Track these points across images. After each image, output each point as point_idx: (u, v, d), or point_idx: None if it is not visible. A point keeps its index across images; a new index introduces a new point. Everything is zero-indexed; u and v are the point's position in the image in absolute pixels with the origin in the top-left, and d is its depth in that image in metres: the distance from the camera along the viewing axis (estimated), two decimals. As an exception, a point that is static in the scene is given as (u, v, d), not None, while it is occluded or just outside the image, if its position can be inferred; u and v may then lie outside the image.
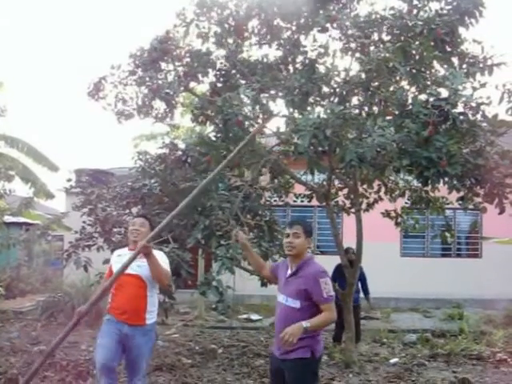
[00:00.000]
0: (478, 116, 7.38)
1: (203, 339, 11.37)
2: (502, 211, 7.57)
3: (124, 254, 5.58)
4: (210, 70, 8.95)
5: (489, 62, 8.00)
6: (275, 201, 10.79)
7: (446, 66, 8.03)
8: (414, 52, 7.79)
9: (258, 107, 7.84)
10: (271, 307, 11.29)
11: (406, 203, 10.41)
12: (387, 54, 7.47)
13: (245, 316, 13.83)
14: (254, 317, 13.83)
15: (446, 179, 7.14)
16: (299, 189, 10.36)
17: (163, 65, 9.06)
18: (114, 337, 5.30)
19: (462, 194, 7.83)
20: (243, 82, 8.53)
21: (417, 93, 7.88)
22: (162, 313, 8.32)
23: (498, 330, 12.13)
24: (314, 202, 10.88)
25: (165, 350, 9.93)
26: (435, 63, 8.18)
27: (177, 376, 8.15)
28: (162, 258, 5.53)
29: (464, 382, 7.91)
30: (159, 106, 9.07)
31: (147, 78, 8.71)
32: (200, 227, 7.57)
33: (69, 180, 9.90)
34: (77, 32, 78.91)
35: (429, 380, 8.22)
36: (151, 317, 5.47)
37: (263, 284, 9.02)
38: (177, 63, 9.01)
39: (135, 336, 5.32)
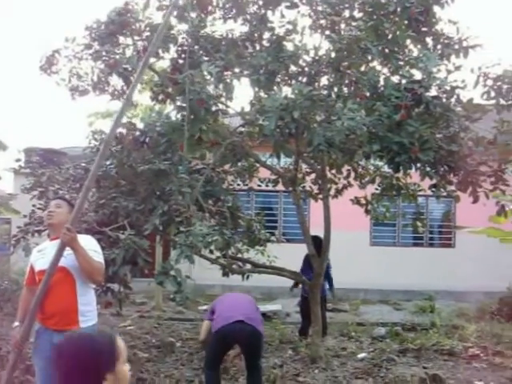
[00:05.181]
0: (453, 100, 7.52)
1: (160, 332, 11.41)
2: (475, 200, 7.74)
3: (45, 247, 4.96)
4: (171, 46, 8.89)
5: (464, 44, 8.12)
6: (239, 185, 10.82)
7: (419, 47, 8.13)
8: (386, 31, 7.87)
9: (221, 86, 7.86)
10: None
11: (376, 190, 10.52)
12: (359, 33, 7.52)
13: (205, 307, 13.82)
14: (215, 308, 13.84)
15: (418, 165, 7.27)
16: (264, 173, 10.39)
17: (121, 39, 8.97)
18: (48, 359, 4.21)
19: (434, 181, 7.97)
20: (206, 58, 8.51)
21: (389, 74, 7.96)
22: (117, 303, 8.32)
23: (471, 324, 12.38)
24: (280, 187, 10.93)
25: (119, 343, 9.93)
26: (409, 43, 8.26)
27: (132, 371, 8.12)
28: (91, 246, 4.88)
29: (435, 379, 8.05)
30: (116, 82, 9.03)
31: (104, 53, 8.62)
32: (158, 213, 7.54)
33: (18, 160, 9.76)
34: (29, 1, 77.36)
35: (398, 376, 8.33)
36: (87, 319, 4.76)
37: (224, 274, 9.09)
38: (136, 37, 8.94)
39: None
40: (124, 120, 9.16)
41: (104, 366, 2.34)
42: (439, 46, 8.34)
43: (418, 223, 9.56)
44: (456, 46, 8.19)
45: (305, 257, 10.12)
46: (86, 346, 2.36)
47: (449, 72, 7.81)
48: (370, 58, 7.99)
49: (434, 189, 8.16)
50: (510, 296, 14.19)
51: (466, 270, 16.05)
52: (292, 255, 10.40)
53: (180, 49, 9.00)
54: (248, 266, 9.68)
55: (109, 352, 2.38)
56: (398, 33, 7.85)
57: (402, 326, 12.31)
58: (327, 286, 10.66)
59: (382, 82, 7.50)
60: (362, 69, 7.97)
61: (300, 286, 10.51)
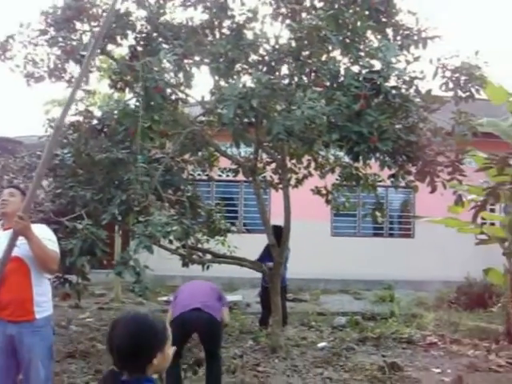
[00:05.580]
0: (412, 91, 7.58)
1: (120, 323, 11.29)
2: (433, 190, 7.83)
3: None
4: (129, 33, 8.77)
5: (423, 35, 8.19)
6: (199, 175, 10.78)
7: (379, 38, 8.17)
8: (347, 21, 7.86)
9: (181, 74, 7.79)
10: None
11: (337, 180, 10.57)
12: (319, 22, 7.51)
13: (165, 298, 13.79)
14: (175, 298, 13.77)
15: (377, 155, 7.32)
16: (225, 163, 10.36)
17: (78, 24, 8.81)
18: (1, 350, 4.62)
19: (393, 171, 8.04)
20: (166, 46, 8.43)
21: (349, 64, 7.97)
22: (75, 295, 8.23)
23: (429, 313, 12.59)
24: (241, 177, 10.91)
25: (78, 335, 9.82)
26: (369, 34, 8.30)
27: (90, 363, 8.10)
28: (45, 235, 4.80)
29: (393, 367, 8.15)
30: (73, 69, 8.87)
31: (60, 39, 8.48)
32: (116, 202, 7.45)
33: (-30, 148, 9.59)
34: (-17, -16, 75.75)
35: (357, 364, 8.41)
36: (42, 309, 4.72)
37: (184, 264, 9.05)
38: (93, 23, 8.78)
39: (23, 336, 4.59)
40: (81, 108, 9.06)
41: (157, 345, 2.57)
42: (399, 37, 8.39)
43: (378, 213, 9.63)
44: (415, 37, 8.25)
45: (265, 247, 10.13)
46: (145, 325, 2.58)
47: (408, 63, 7.88)
48: (330, 47, 8.00)
49: (392, 179, 8.23)
50: (468, 285, 14.44)
51: (424, 260, 16.25)
52: (253, 245, 10.41)
53: (139, 36, 8.88)
54: (208, 257, 9.65)
55: (162, 333, 2.62)
56: (358, 23, 7.87)
57: (361, 315, 12.43)
58: (288, 276, 10.68)
59: (342, 72, 7.51)
60: (323, 58, 7.97)
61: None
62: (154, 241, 6.84)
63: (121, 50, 9.69)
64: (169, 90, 7.57)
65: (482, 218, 14.97)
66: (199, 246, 9.75)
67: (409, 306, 13.75)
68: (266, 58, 8.07)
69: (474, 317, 12.69)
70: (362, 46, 8.07)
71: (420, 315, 12.35)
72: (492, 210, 14.34)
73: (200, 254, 9.64)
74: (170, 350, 2.66)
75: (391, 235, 18.93)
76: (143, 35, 8.83)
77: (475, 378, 7.98)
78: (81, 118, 8.89)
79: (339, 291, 16.32)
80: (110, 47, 9.10)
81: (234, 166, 10.30)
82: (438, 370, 8.46)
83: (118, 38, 8.82)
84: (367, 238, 18.37)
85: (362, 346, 9.76)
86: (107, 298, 13.98)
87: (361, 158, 7.26)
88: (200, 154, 9.83)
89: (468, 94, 8.05)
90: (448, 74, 8.01)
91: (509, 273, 10.55)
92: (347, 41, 7.88)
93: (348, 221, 18.24)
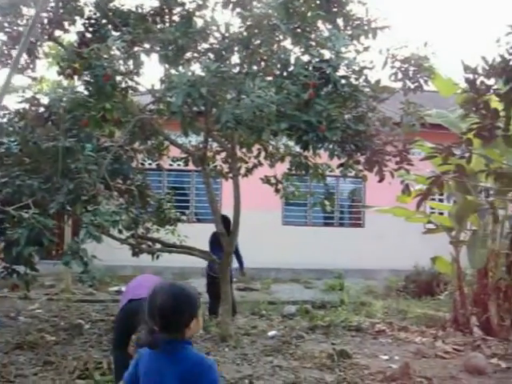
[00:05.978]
0: (361, 80, 7.62)
1: (69, 314, 11.14)
2: (381, 179, 7.94)
3: None
4: (77, 18, 8.64)
5: (373, 25, 8.23)
6: (150, 164, 10.69)
7: (330, 27, 8.19)
8: (297, 10, 7.85)
9: (131, 62, 7.70)
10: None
11: (288, 169, 10.60)
12: (269, 11, 7.50)
13: (116, 288, 13.68)
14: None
15: (326, 145, 7.36)
16: (176, 152, 10.29)
17: (24, 9, 8.63)
18: None
19: (342, 160, 8.10)
20: (115, 33, 8.31)
21: (300, 54, 7.97)
22: (24, 286, 8.09)
23: (378, 301, 12.81)
24: (192, 167, 10.85)
25: (27, 326, 9.67)
26: (320, 24, 8.31)
27: (39, 354, 7.98)
28: None
29: (342, 354, 8.23)
30: (19, 55, 8.69)
31: (6, 24, 8.31)
32: (64, 191, 7.35)
33: None
34: None
35: (306, 352, 8.46)
36: None
37: (134, 254, 8.99)
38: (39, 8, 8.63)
39: None
40: (28, 95, 8.87)
41: (194, 310, 2.88)
42: (349, 27, 8.42)
43: (327, 203, 9.69)
44: (365, 27, 8.28)
45: (211, 236, 10.14)
46: (184, 290, 2.93)
47: (358, 52, 7.93)
48: (281, 36, 7.98)
49: (341, 168, 8.30)
50: (416, 274, 14.72)
51: (374, 249, 16.49)
52: (203, 235, 10.41)
53: (87, 22, 8.73)
54: (158, 246, 9.59)
55: (197, 300, 2.94)
56: (309, 12, 7.88)
57: (312, 303, 12.54)
58: (235, 265, 10.68)
59: (292, 61, 7.51)
60: (274, 48, 7.96)
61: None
62: (102, 230, 6.78)
63: (69, 36, 9.55)
64: (118, 78, 7.49)
65: (431, 208, 15.31)
66: (149, 235, 9.69)
67: (358, 294, 13.94)
68: (216, 46, 8.02)
69: (422, 304, 12.95)
70: (312, 36, 8.06)
71: (369, 303, 12.55)
72: (441, 200, 14.63)
73: (150, 243, 9.58)
74: (201, 318, 2.98)
75: (341, 225, 19.14)
76: (92, 21, 8.68)
77: (422, 365, 8.12)
78: (27, 106, 8.72)
79: (290, 280, 16.40)
80: (58, 33, 8.92)
81: (184, 155, 10.24)
82: (386, 357, 8.60)
83: (66, 24, 8.66)
84: (318, 227, 18.53)
85: (312, 334, 9.83)
86: (57, 289, 13.76)
87: (310, 147, 7.30)
88: (149, 142, 9.74)
89: (417, 84, 8.15)
90: (397, 64, 8.09)
91: (455, 261, 10.77)
92: (298, 30, 7.87)
93: (299, 210, 18.36)
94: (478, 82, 4.81)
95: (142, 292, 6.43)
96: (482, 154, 5.49)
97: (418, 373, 7.56)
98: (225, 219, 9.74)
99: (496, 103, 5.11)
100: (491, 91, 4.85)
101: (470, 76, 4.80)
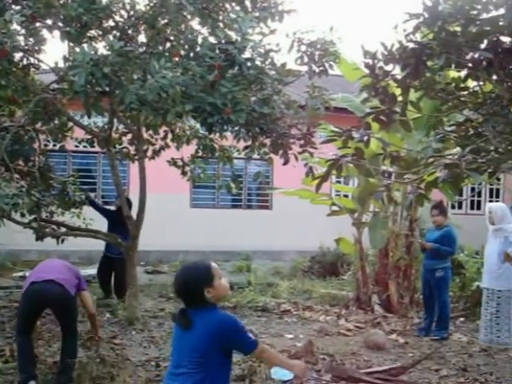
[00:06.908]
0: (267, 63, 7.64)
1: (-31, 301, 10.79)
2: (286, 162, 8.03)
3: None
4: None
5: (280, 8, 8.24)
6: (54, 145, 10.41)
7: (238, 9, 8.16)
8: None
9: (32, 38, 7.41)
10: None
11: (195, 152, 10.54)
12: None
13: (20, 274, 13.28)
14: (31, 274, 13.29)
15: (231, 127, 7.36)
16: (82, 133, 10.04)
17: None
18: None
19: (248, 143, 8.14)
20: (16, 7, 7.96)
21: (207, 35, 7.92)
22: None
23: (284, 282, 13.03)
24: (98, 149, 10.63)
25: None
26: (228, 5, 8.26)
27: None
28: None
29: (248, 334, 8.38)
30: None
31: None
32: (-40, 173, 7.09)
33: None
34: None
35: (210, 334, 8.55)
36: None
37: (38, 238, 8.73)
38: None
39: None
40: None
41: (202, 281, 3.48)
42: (256, 9, 8.41)
43: (232, 185, 9.71)
44: (272, 10, 8.29)
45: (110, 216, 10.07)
46: (189, 268, 3.62)
47: (264, 35, 7.93)
48: (189, 17, 7.88)
49: (247, 150, 8.34)
50: (321, 254, 15.06)
51: (281, 231, 16.74)
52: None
53: (-16, -5, 8.33)
54: (63, 230, 9.37)
55: (206, 271, 3.53)
56: (216, -7, 7.81)
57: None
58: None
59: (200, 42, 7.44)
60: (182, 28, 7.86)
61: None
62: (2, 214, 6.56)
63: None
64: (19, 55, 7.22)
65: (337, 190, 15.64)
66: (54, 219, 9.45)
67: (265, 275, 14.14)
68: (121, 24, 7.83)
69: (327, 284, 13.29)
70: (220, 17, 8.02)
71: (276, 284, 12.75)
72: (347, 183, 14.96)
73: (54, 227, 9.34)
74: (221, 281, 3.56)
75: (249, 207, 19.31)
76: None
77: (325, 342, 8.37)
78: None
79: (198, 262, 16.37)
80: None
81: (88, 137, 10.00)
82: (291, 336, 8.81)
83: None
84: (226, 209, 18.64)
85: (219, 315, 9.87)
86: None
87: (215, 129, 7.29)
88: (52, 123, 9.44)
89: (322, 68, 8.24)
90: (303, 48, 8.14)
91: (358, 242, 11.09)
92: (205, 11, 7.80)
93: (207, 193, 18.37)
94: (377, 68, 4.89)
95: (44, 275, 6.30)
96: (378, 138, 5.61)
97: (321, 350, 7.79)
98: (127, 201, 9.60)
99: (394, 88, 5.23)
100: (389, 76, 4.95)
101: (370, 61, 4.87)
